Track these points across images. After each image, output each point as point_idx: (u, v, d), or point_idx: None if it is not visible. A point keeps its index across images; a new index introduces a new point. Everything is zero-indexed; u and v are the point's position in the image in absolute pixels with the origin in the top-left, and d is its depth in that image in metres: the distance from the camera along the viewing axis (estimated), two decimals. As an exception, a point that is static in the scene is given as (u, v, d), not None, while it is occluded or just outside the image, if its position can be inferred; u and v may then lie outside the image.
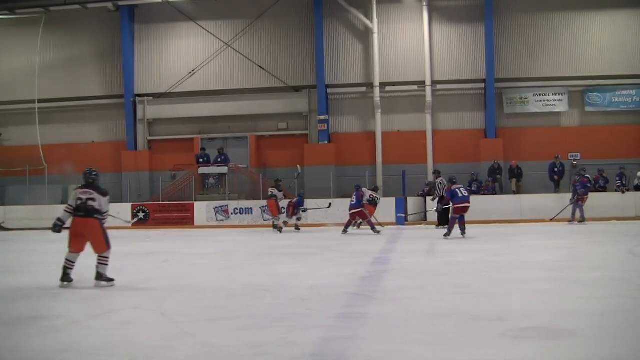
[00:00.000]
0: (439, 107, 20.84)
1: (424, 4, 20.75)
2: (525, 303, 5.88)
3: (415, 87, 20.81)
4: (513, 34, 20.89)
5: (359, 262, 9.26)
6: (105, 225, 7.09)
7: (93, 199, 6.92)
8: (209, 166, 20.64)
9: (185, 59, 21.71)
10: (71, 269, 6.98)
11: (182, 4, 21.44)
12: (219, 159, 20.63)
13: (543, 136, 20.52)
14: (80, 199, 6.92)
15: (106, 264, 6.95)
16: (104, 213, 7.01)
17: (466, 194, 13.18)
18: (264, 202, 18.09)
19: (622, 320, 5.08)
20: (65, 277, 6.94)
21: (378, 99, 20.69)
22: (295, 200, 16.80)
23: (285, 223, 16.45)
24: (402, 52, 21.09)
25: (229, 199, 19.95)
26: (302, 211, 17.01)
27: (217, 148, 20.96)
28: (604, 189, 19.28)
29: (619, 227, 14.76)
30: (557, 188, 19.54)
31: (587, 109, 20.69)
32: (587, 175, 18.45)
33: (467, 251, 10.74)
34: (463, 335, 4.61)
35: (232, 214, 19.57)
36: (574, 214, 17.01)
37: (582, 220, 16.73)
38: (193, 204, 20.07)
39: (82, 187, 7.06)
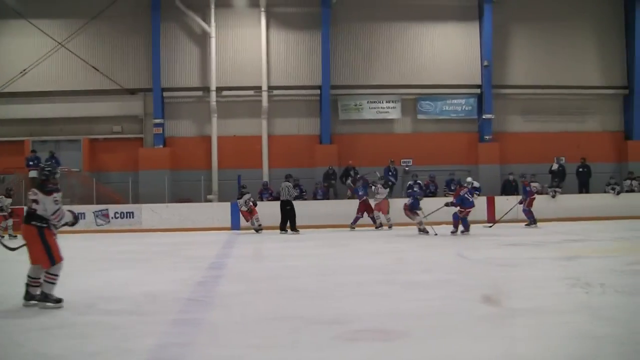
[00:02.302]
0: (275, 112, 22.45)
1: (262, 10, 22.35)
2: (359, 306, 6.36)
3: (251, 92, 22.37)
4: (349, 42, 22.80)
5: (194, 267, 9.64)
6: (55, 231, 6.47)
7: (36, 201, 6.33)
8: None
9: (16, 58, 22.29)
10: (33, 285, 6.40)
11: (13, 0, 22.22)
12: (50, 162, 21.46)
13: (377, 142, 22.46)
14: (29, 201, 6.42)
15: (52, 283, 6.27)
16: (52, 216, 6.31)
17: (471, 200, 15.52)
18: (99, 207, 19.44)
19: (452, 320, 5.65)
20: (27, 295, 6.42)
21: (214, 103, 22.10)
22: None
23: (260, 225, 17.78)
24: (239, 57, 22.60)
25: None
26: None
27: (49, 151, 21.80)
28: (434, 194, 21.32)
29: (448, 230, 15.87)
30: (390, 192, 21.41)
31: (419, 116, 22.83)
32: (420, 182, 20.49)
33: (302, 255, 11.49)
34: (298, 338, 4.97)
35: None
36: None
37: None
38: (23, 208, 20.73)
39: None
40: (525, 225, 17.96)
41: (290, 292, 7.30)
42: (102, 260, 11.60)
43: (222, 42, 22.41)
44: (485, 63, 22.60)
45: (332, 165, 21.76)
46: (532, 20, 23.31)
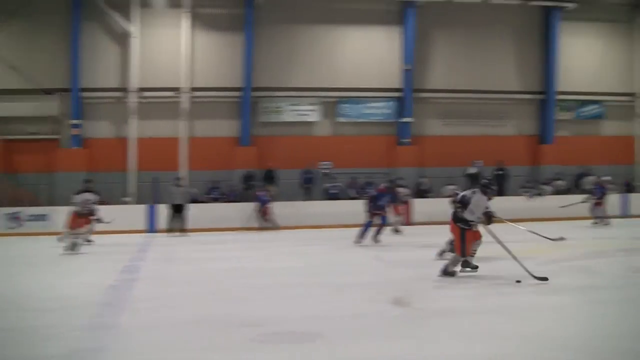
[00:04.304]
0: (196, 114, 23.77)
1: (186, 11, 23.66)
2: (274, 308, 6.77)
3: (172, 94, 23.75)
4: (272, 44, 24.19)
5: (107, 271, 9.98)
6: None
7: None
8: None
9: None
10: None
11: None
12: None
13: (297, 145, 24.05)
14: None
15: None
16: None
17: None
18: (10, 210, 20.49)
19: (366, 321, 6.10)
20: None
21: (134, 104, 23.40)
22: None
23: None
24: (161, 57, 23.79)
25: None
26: None
27: (-39, 152, 22.70)
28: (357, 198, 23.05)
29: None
30: (308, 195, 23.15)
31: (340, 119, 24.56)
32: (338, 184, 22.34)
33: (220, 258, 12.15)
34: (213, 342, 5.28)
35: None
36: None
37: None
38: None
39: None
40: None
41: (206, 295, 7.69)
42: (11, 264, 11.81)
43: (144, 42, 23.49)
44: (406, 67, 24.41)
45: (251, 167, 23.24)
46: (454, 26, 25.22)
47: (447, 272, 9.29)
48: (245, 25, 23.73)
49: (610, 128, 26.91)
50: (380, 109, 24.72)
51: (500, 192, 23.76)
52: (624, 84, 26.82)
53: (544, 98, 25.80)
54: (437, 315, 6.57)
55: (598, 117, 26.70)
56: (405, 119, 24.51)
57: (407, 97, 24.51)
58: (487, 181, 10.06)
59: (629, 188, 25.10)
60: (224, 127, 24.14)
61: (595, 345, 5.41)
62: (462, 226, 9.37)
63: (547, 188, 24.33)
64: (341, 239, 15.74)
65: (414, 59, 24.55)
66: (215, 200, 22.68)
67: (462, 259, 9.49)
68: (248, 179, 23.25)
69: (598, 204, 20.25)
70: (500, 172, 24.28)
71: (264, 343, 5.30)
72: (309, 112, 24.34)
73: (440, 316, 6.50)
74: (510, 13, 25.54)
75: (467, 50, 25.30)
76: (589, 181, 23.87)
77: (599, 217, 20.09)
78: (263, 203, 20.97)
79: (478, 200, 9.27)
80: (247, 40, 23.71)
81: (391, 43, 24.76)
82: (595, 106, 26.56)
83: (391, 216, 17.26)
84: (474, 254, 9.60)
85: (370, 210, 15.18)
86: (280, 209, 21.24)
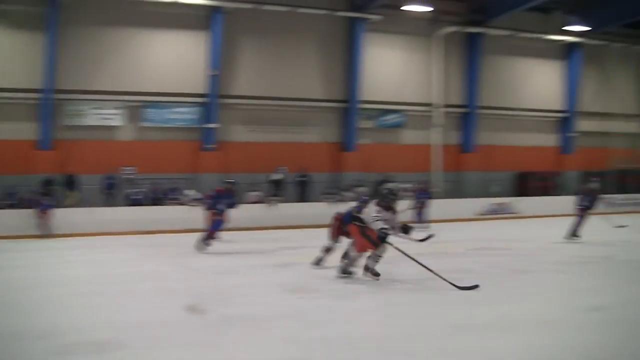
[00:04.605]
0: (-11, 116, 24.33)
1: (-18, 7, 24.30)
2: (72, 318, 6.86)
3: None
4: (77, 46, 24.85)
5: None
6: None
7: None
8: None
9: None
10: None
11: None
12: None
13: (100, 149, 25.15)
14: None
15: None
16: None
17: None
18: None
19: (167, 329, 6.42)
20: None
21: None
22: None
23: None
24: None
25: None
26: None
27: None
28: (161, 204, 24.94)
29: (164, 239, 18.19)
30: (110, 201, 24.75)
31: (144, 124, 26.01)
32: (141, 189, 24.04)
33: (12, 267, 12.27)
34: (11, 354, 5.42)
35: None
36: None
37: None
38: None
39: None
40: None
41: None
42: None
43: None
44: (213, 73, 26.27)
45: (53, 172, 24.35)
46: (262, 33, 27.17)
47: (346, 272, 10.23)
48: (48, 24, 24.21)
49: (409, 137, 30.19)
50: (185, 114, 26.45)
51: (303, 198, 26.67)
52: (423, 94, 30.12)
53: (347, 106, 28.46)
54: (241, 320, 7.14)
55: (398, 126, 29.88)
56: (210, 125, 26.18)
57: (212, 102, 26.18)
58: (387, 191, 10.67)
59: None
60: (23, 130, 24.63)
61: (400, 348, 6.12)
62: (360, 224, 10.16)
63: (349, 194, 27.34)
64: (142, 247, 16.58)
65: (221, 65, 26.22)
66: (12, 206, 23.33)
67: (378, 254, 10.11)
68: (47, 184, 24.03)
69: (420, 208, 23.00)
70: (303, 179, 27.02)
71: (62, 354, 5.46)
72: (112, 116, 25.61)
73: (244, 321, 7.08)
74: (317, 22, 27.83)
75: (273, 57, 27.40)
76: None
77: (422, 222, 22.39)
78: (44, 209, 21.17)
79: (370, 212, 10.01)
80: (50, 40, 24.16)
81: (198, 48, 26.26)
82: (396, 115, 29.75)
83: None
84: (378, 261, 10.20)
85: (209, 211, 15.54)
86: (80, 216, 22.07)
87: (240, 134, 27.37)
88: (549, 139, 34.31)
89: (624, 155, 34.88)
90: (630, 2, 29.77)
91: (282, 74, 27.56)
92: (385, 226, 9.88)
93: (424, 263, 9.78)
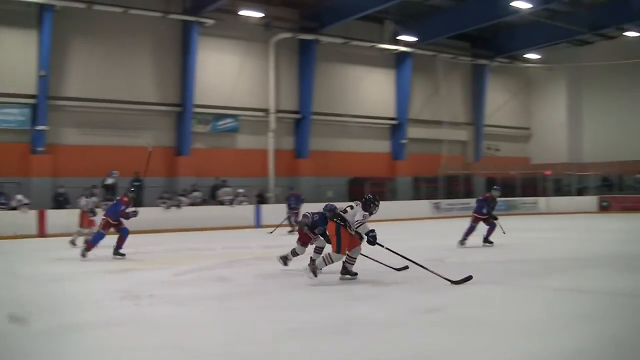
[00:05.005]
0: None
1: None
2: None
3: None
4: None
5: None
6: None
7: None
8: None
9: None
10: None
11: None
12: None
13: None
14: None
15: None
16: None
17: None
18: None
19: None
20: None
21: None
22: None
23: None
24: None
25: None
26: None
27: None
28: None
29: None
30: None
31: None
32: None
33: None
34: None
35: None
36: None
37: None
38: None
39: None
40: None
41: None
42: None
43: None
44: (42, 73, 26.96)
45: None
46: (94, 33, 28.34)
47: (314, 270, 10.55)
48: None
49: (245, 142, 32.55)
50: (13, 116, 26.98)
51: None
52: (259, 100, 32.68)
53: (182, 110, 30.35)
54: (76, 329, 7.28)
55: (233, 130, 32.16)
56: (40, 127, 26.97)
57: (42, 104, 26.94)
58: (370, 196, 10.81)
59: (261, 199, 31.56)
60: None
61: (235, 352, 6.39)
62: (338, 221, 10.55)
63: (184, 199, 29.76)
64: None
65: (51, 65, 27.10)
66: None
67: (339, 255, 10.48)
68: None
69: (295, 212, 24.93)
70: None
71: None
72: None
73: (82, 330, 7.23)
74: (151, 25, 29.38)
75: (107, 59, 28.65)
76: (225, 192, 30.08)
77: (294, 226, 24.24)
78: None
79: (354, 214, 10.45)
80: None
81: (27, 48, 26.92)
82: (230, 120, 32.11)
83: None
84: (354, 262, 10.78)
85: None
86: None
87: (72, 136, 28.35)
88: (381, 145, 38.06)
89: (453, 161, 39.67)
90: (456, 14, 34.16)
91: (115, 76, 28.86)
92: (373, 229, 10.35)
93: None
